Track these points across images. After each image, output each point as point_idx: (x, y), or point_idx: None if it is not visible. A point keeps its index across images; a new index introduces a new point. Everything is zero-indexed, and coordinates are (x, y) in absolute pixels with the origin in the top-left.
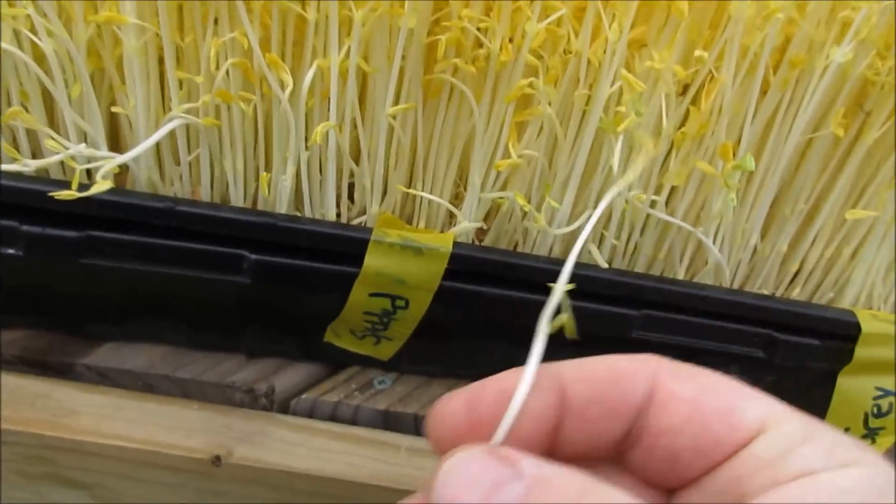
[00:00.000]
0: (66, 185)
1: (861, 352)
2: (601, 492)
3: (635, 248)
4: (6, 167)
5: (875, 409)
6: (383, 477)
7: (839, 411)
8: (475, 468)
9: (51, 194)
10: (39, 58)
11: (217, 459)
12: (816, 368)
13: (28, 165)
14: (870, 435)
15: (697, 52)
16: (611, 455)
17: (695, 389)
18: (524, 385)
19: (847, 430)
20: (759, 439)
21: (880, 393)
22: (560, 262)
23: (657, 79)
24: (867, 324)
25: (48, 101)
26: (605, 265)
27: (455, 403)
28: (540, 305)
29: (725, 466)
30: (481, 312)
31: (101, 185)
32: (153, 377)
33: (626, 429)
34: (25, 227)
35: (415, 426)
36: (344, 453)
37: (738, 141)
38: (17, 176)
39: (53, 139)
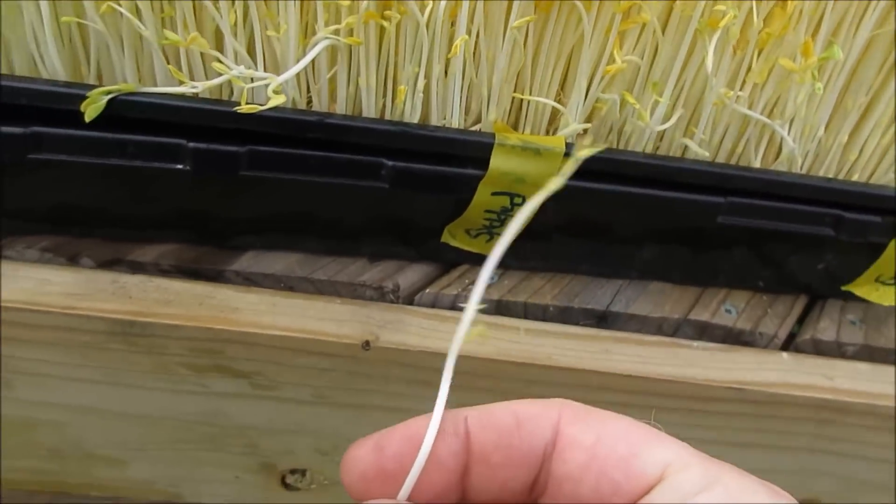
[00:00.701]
0: (225, 104)
1: None
2: None
3: (718, 143)
4: (174, 89)
5: None
6: (507, 353)
7: (881, 265)
8: None
9: (235, 108)
10: None
11: (367, 344)
12: (875, 242)
13: (196, 87)
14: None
15: None
16: (525, 501)
17: (595, 435)
18: (430, 434)
19: (879, 276)
20: (658, 488)
21: None
22: (659, 158)
23: None
24: None
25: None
26: (705, 153)
27: (362, 450)
28: (640, 198)
29: None
30: (586, 207)
31: (277, 99)
32: (293, 279)
33: (533, 475)
34: (192, 144)
35: (524, 312)
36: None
37: (814, 39)
38: (181, 97)
39: (221, 62)
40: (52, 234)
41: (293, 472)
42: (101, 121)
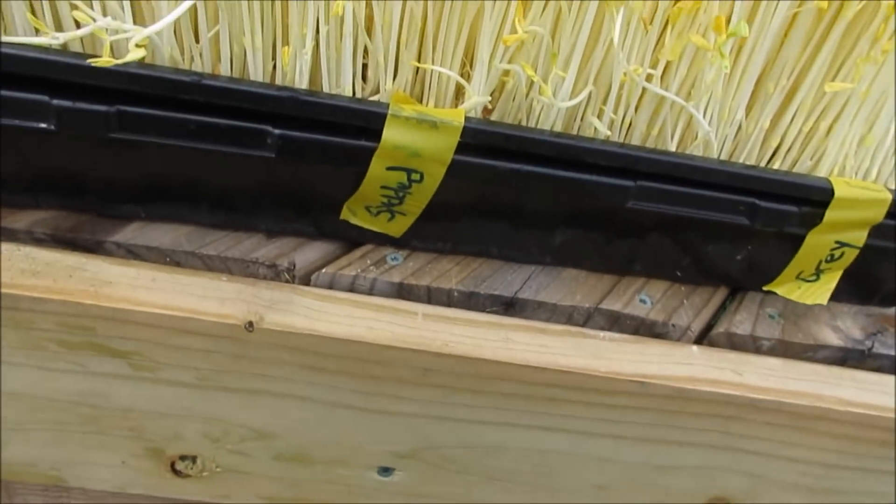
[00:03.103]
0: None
1: (831, 215)
2: None
3: (631, 123)
4: (34, 40)
5: (829, 257)
6: (402, 339)
7: (800, 260)
8: None
9: (89, 61)
10: None
11: (250, 325)
12: (788, 233)
13: (57, 38)
14: (816, 274)
15: None
16: None
17: None
18: None
19: (801, 272)
20: None
21: (837, 245)
22: (566, 136)
23: None
24: (840, 189)
25: None
26: (608, 132)
27: None
28: (545, 179)
29: None
30: (490, 186)
31: (136, 53)
32: (180, 254)
33: None
34: (56, 102)
35: (428, 296)
36: (365, 319)
37: (728, 18)
38: (45, 49)
39: (82, 11)
40: None
41: (183, 458)
42: None
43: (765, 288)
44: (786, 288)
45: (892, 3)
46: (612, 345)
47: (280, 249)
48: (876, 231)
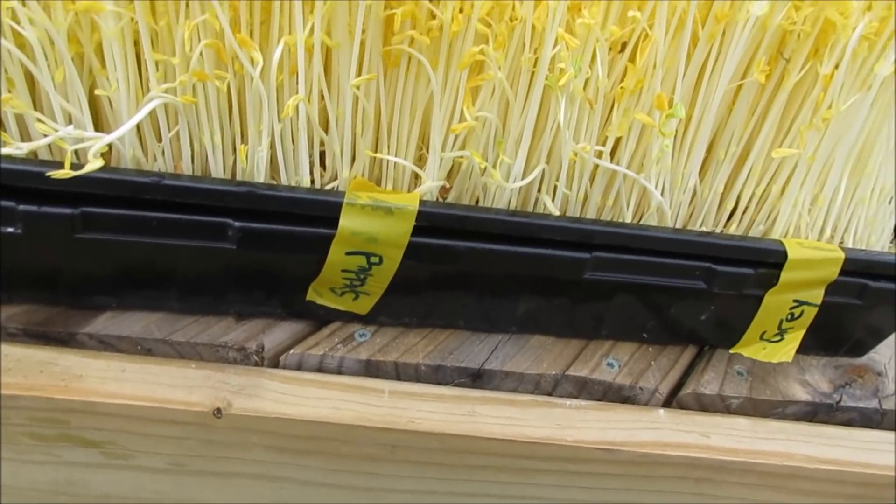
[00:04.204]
0: (56, 165)
1: (786, 276)
2: None
3: (585, 197)
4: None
5: (789, 316)
6: (369, 417)
7: (761, 320)
8: None
9: (48, 174)
10: (21, 46)
11: (218, 411)
12: (748, 294)
13: (21, 148)
14: (780, 334)
15: (631, 13)
16: None
17: None
18: None
19: (763, 332)
20: None
21: (796, 304)
22: (519, 214)
23: (594, 38)
24: (793, 251)
25: (31, 86)
26: (556, 211)
27: None
28: (501, 256)
29: None
30: (448, 265)
31: (94, 164)
32: (150, 342)
33: None
34: (22, 207)
35: (395, 372)
36: (331, 399)
37: (673, 92)
38: (10, 158)
39: (43, 122)
40: None
41: None
42: None
43: (731, 350)
44: (751, 349)
45: (829, 73)
46: (578, 413)
47: (249, 332)
48: (833, 288)
